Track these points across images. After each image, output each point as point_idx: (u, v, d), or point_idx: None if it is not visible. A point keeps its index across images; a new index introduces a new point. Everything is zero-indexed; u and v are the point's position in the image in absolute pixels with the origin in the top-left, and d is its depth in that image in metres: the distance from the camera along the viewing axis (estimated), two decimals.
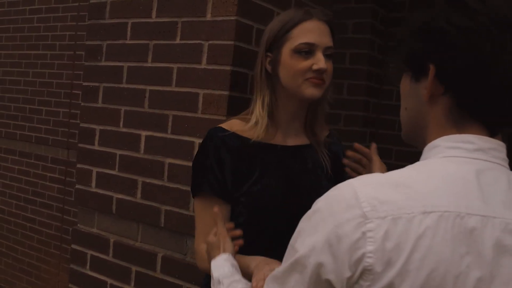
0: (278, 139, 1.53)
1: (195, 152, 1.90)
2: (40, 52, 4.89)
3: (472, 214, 0.75)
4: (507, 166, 0.84)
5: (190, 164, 1.92)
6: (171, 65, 2.01)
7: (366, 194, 0.76)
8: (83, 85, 2.31)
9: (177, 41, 1.99)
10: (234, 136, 1.49)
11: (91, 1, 2.28)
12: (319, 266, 0.77)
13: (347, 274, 0.74)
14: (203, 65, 1.92)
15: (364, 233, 0.73)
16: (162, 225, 2.01)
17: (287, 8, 2.03)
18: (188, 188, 1.92)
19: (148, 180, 2.06)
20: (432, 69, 0.83)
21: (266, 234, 1.47)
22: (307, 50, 1.44)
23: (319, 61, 1.42)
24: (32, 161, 4.94)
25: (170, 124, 2.00)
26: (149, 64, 2.07)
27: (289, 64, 1.45)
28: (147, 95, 2.08)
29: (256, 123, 1.49)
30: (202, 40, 1.92)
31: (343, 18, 2.92)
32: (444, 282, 0.72)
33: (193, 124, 1.93)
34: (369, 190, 0.77)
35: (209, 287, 1.55)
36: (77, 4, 4.51)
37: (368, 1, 2.89)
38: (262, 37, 1.54)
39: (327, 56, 1.46)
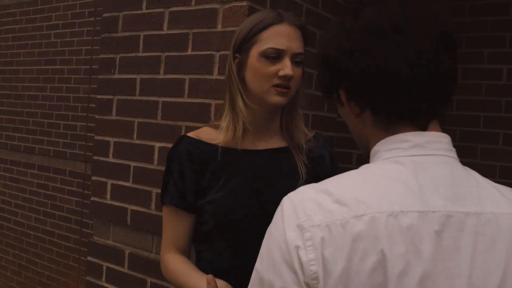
0: (247, 144, 1.47)
1: None
2: (57, 67, 4.97)
3: (407, 211, 0.75)
4: (452, 155, 0.85)
5: None
6: (183, 76, 2.02)
7: (303, 205, 0.79)
8: (97, 98, 2.34)
9: (189, 52, 2.00)
10: (200, 144, 1.47)
11: (103, 15, 2.31)
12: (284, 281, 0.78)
13: (302, 278, 0.76)
14: (214, 76, 1.92)
15: (304, 242, 0.76)
16: None
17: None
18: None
19: None
20: (342, 95, 0.88)
21: (235, 242, 1.44)
22: (274, 56, 1.38)
23: (286, 68, 1.37)
24: (51, 174, 5.01)
25: None
26: (162, 76, 2.09)
27: (255, 67, 1.40)
28: (160, 106, 2.09)
29: (226, 128, 1.45)
30: (213, 51, 1.93)
31: None
32: (386, 281, 0.72)
33: None
34: (305, 202, 0.80)
35: None
36: (92, 19, 4.58)
37: None
38: (232, 37, 1.48)
39: (296, 63, 1.41)
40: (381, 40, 0.81)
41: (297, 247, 0.76)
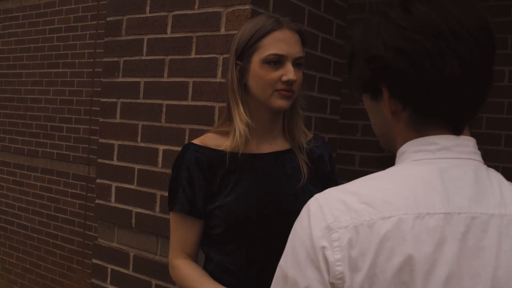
0: (253, 148, 1.50)
1: None
2: (60, 70, 4.99)
3: (433, 213, 0.77)
4: (477, 158, 0.86)
5: None
6: (187, 79, 2.03)
7: (330, 206, 0.80)
8: (101, 101, 2.35)
9: (192, 55, 2.01)
10: (207, 150, 1.48)
11: (107, 19, 2.32)
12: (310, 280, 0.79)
13: (327, 278, 0.78)
14: (218, 79, 1.94)
15: (331, 243, 0.77)
16: None
17: (301, 21, 2.04)
18: None
19: (166, 194, 2.08)
20: (385, 91, 0.87)
21: (246, 243, 1.45)
22: (276, 61, 1.42)
23: (289, 72, 1.41)
24: (54, 177, 5.02)
25: (187, 137, 2.02)
26: (165, 79, 2.10)
27: (258, 74, 1.43)
28: (163, 109, 2.10)
29: (232, 134, 1.46)
30: (216, 54, 1.94)
31: None
32: (412, 280, 0.74)
33: None
34: (332, 202, 0.81)
35: None
36: (95, 22, 4.60)
37: None
38: (232, 44, 1.50)
39: (297, 66, 1.45)
40: (438, 42, 0.80)
41: (323, 248, 0.77)
